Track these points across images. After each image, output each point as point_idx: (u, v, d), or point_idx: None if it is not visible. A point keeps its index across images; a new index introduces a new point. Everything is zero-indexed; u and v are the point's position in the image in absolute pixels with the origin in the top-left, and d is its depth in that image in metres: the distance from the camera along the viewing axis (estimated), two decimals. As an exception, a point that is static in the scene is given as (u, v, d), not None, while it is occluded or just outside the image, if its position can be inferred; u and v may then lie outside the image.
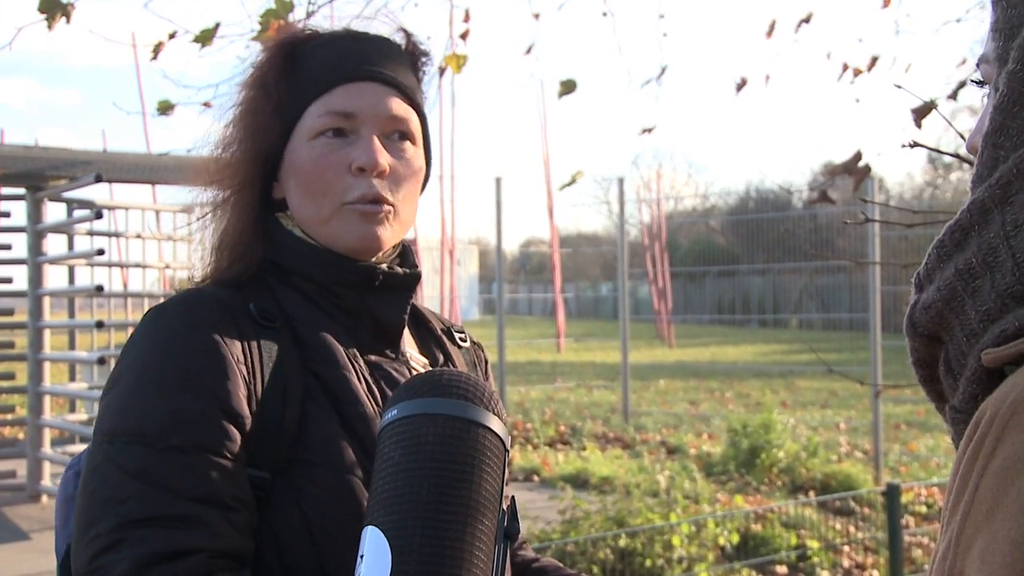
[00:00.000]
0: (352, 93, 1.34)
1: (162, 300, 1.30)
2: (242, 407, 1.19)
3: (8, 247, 7.71)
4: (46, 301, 7.92)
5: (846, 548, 6.13)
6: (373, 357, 1.35)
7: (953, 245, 0.87)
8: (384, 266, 1.37)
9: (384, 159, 1.32)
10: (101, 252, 7.34)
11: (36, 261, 7.71)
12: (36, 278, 7.74)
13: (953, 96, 3.96)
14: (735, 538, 5.72)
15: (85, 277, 8.27)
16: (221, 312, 1.25)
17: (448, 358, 1.47)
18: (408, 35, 1.44)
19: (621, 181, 11.71)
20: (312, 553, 1.19)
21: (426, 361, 1.43)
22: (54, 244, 7.99)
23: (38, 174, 7.58)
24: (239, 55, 3.91)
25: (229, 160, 1.37)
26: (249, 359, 1.23)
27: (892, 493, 5.03)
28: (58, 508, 1.34)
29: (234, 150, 1.37)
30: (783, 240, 18.45)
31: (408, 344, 1.43)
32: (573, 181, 4.90)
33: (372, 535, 1.06)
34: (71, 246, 8.37)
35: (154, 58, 4.07)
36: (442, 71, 4.72)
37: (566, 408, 12.94)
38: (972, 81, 0.95)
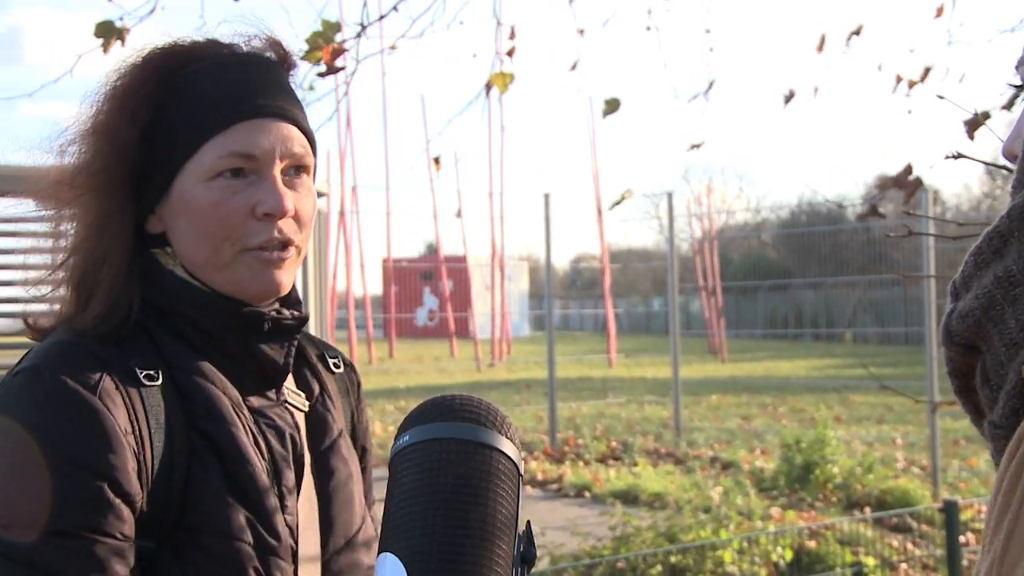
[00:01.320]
0: (252, 132, 1.25)
1: (28, 357, 1.19)
2: (131, 484, 1.13)
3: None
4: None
5: (903, 566, 6.03)
6: (255, 402, 1.28)
7: (992, 252, 0.85)
8: (272, 311, 1.29)
9: (289, 202, 1.26)
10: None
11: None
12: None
13: (1008, 107, 3.91)
14: (788, 555, 5.66)
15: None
16: (100, 373, 1.16)
17: (323, 388, 1.40)
18: (278, 45, 1.35)
19: (670, 196, 11.68)
20: None
21: (303, 395, 1.37)
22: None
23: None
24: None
25: (87, 186, 1.25)
26: (136, 428, 1.16)
27: (950, 510, 4.95)
28: None
29: (94, 177, 1.25)
30: (836, 253, 18.29)
31: (287, 380, 1.36)
32: (622, 200, 4.90)
33: (390, 561, 1.05)
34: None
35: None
36: (488, 89, 4.74)
37: (617, 424, 12.88)
38: (1010, 85, 0.93)
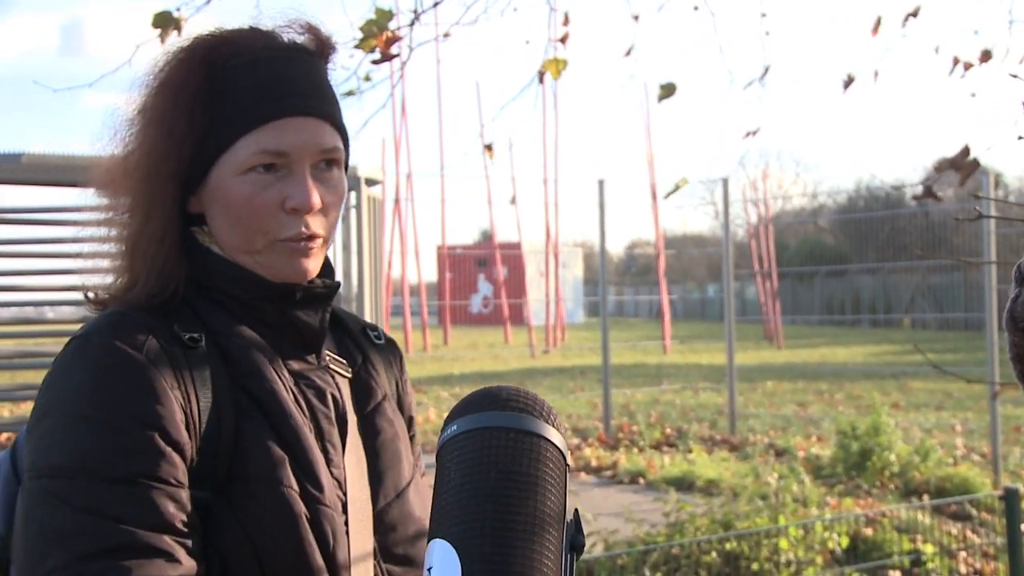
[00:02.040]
0: (285, 130, 1.31)
1: (81, 328, 1.28)
2: (180, 434, 1.19)
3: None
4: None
5: (963, 554, 5.96)
6: (296, 366, 1.35)
7: None
8: (304, 282, 1.37)
9: (316, 198, 1.32)
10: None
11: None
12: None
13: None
14: (845, 542, 5.62)
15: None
16: (147, 335, 1.23)
17: (365, 357, 1.47)
18: (316, 32, 1.40)
19: (726, 182, 11.59)
20: (254, 566, 1.20)
21: (345, 362, 1.44)
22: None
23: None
24: (342, 64, 3.99)
25: (138, 171, 1.33)
26: (182, 382, 1.22)
27: (1011, 497, 4.87)
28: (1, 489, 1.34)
29: (146, 162, 1.32)
30: (894, 238, 18.05)
31: (327, 346, 1.43)
32: (677, 188, 4.86)
33: (440, 547, 1.06)
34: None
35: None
36: (542, 75, 4.74)
37: (672, 410, 12.85)
38: None
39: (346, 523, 1.29)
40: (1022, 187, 34.40)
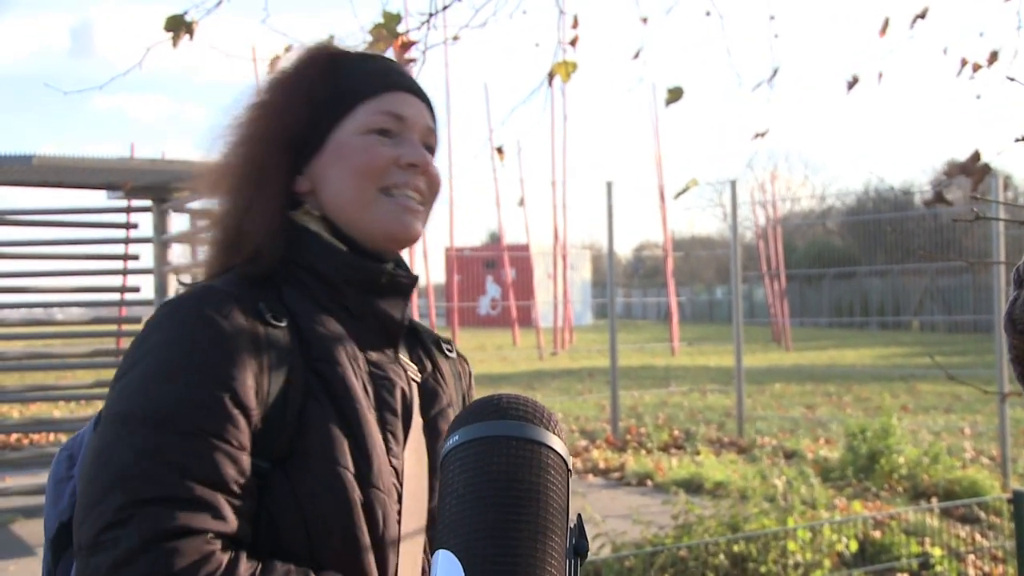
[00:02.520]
0: (401, 100, 1.46)
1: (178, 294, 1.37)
2: (250, 399, 1.25)
3: (136, 257, 8.01)
4: (172, 309, 8.17)
5: (971, 557, 5.95)
6: (374, 355, 1.41)
7: None
8: (389, 269, 1.44)
9: (429, 158, 1.46)
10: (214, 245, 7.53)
11: (162, 271, 7.99)
12: (162, 287, 8.02)
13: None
14: (853, 545, 5.61)
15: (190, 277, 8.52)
16: (234, 307, 1.31)
17: (435, 366, 1.53)
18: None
19: (734, 184, 11.58)
20: (304, 540, 1.25)
21: (415, 367, 1.49)
22: (179, 254, 8.27)
23: (163, 186, 7.86)
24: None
25: (248, 154, 1.43)
26: (258, 355, 1.29)
27: (1020, 501, 4.86)
28: (49, 489, 1.40)
29: (258, 144, 1.43)
30: (903, 241, 18.01)
31: (400, 350, 1.49)
32: (686, 189, 4.86)
33: (444, 558, 1.07)
34: (195, 255, 8.63)
35: (271, 72, 4.19)
36: (551, 78, 4.75)
37: (680, 412, 12.84)
38: None
39: (399, 512, 1.33)
40: (1031, 189, 34.30)
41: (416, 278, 1.48)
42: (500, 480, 1.09)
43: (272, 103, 1.45)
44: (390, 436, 1.36)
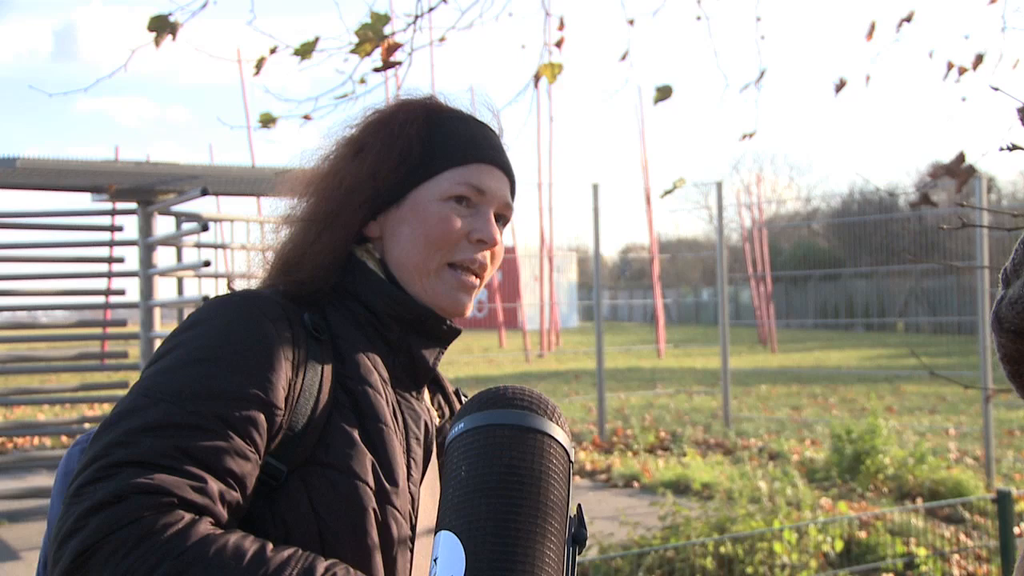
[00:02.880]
0: (485, 173, 1.50)
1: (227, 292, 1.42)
2: (279, 400, 1.28)
3: (121, 260, 7.98)
4: (157, 312, 8.17)
5: (956, 557, 5.98)
6: (400, 390, 1.45)
7: None
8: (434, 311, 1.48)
9: (499, 235, 1.51)
10: (207, 264, 7.54)
11: (147, 273, 7.96)
12: (147, 290, 7.99)
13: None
14: (839, 545, 5.63)
15: (193, 288, 8.51)
16: (278, 312, 1.35)
17: (453, 411, 1.57)
18: (497, 117, 1.61)
19: (719, 185, 11.61)
20: (316, 547, 1.25)
21: (436, 412, 1.53)
22: (164, 257, 8.25)
23: (148, 189, 7.83)
24: (337, 68, 4.00)
25: (337, 184, 1.48)
26: (296, 360, 1.32)
27: (1004, 500, 4.89)
28: (57, 480, 1.42)
29: (348, 178, 1.48)
30: (888, 243, 18.08)
31: (424, 393, 1.53)
32: (674, 188, 4.88)
33: (445, 538, 1.10)
34: (180, 258, 8.63)
35: (256, 73, 4.19)
36: (537, 80, 4.75)
37: (666, 414, 12.86)
38: None
39: (412, 540, 1.35)
40: (1015, 191, 34.50)
41: (456, 331, 1.52)
42: (502, 467, 1.12)
43: (366, 149, 1.50)
44: (412, 462, 1.38)
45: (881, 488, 7.80)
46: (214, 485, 1.19)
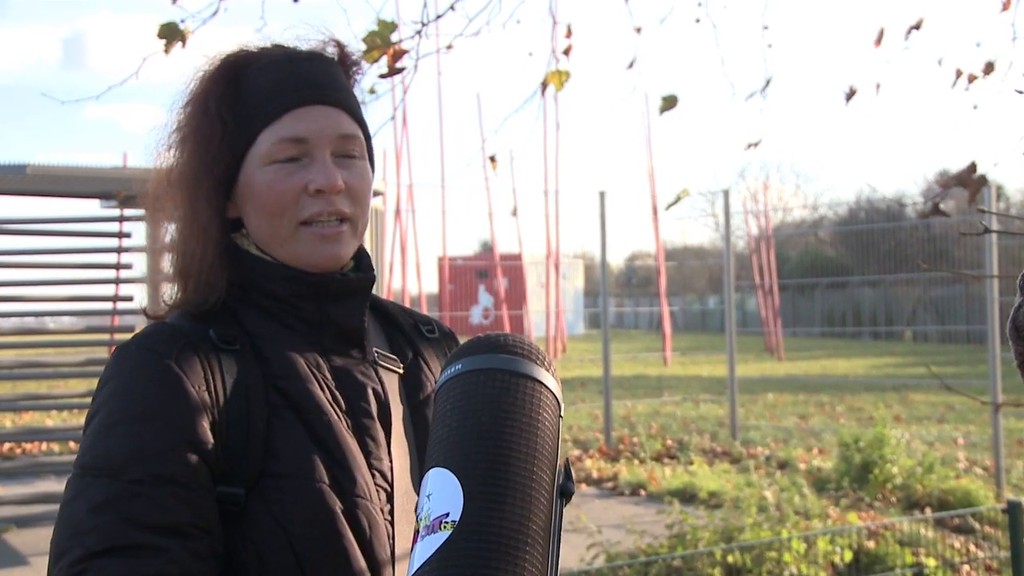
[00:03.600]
0: (301, 118, 1.38)
1: (128, 337, 1.36)
2: (204, 435, 1.24)
3: (129, 266, 7.99)
4: (165, 318, 8.15)
5: (965, 567, 5.95)
6: (339, 361, 1.39)
7: None
8: (338, 275, 1.41)
9: (339, 179, 1.37)
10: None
11: (155, 280, 7.95)
12: (155, 297, 7.98)
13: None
14: (848, 555, 5.61)
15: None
16: (180, 343, 1.30)
17: (417, 352, 1.50)
18: (340, 46, 1.47)
19: (727, 193, 11.59)
20: (291, 559, 1.24)
21: (396, 358, 1.46)
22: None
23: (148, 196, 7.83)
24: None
25: (179, 184, 1.40)
26: (211, 384, 1.28)
27: (1014, 511, 4.86)
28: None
29: (184, 175, 1.40)
30: (896, 251, 18.05)
31: (378, 343, 1.47)
32: (678, 200, 4.86)
33: (435, 474, 1.09)
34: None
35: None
36: (544, 87, 4.75)
37: (673, 422, 12.83)
38: None
39: (391, 512, 1.33)
40: None
41: (371, 277, 1.45)
42: (496, 410, 1.12)
43: (194, 129, 1.40)
44: (369, 440, 1.34)
45: (889, 498, 7.77)
46: (181, 546, 1.18)
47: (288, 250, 1.39)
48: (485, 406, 1.12)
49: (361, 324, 1.42)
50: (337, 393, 1.36)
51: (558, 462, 1.15)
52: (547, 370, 1.18)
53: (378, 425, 1.37)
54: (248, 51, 1.43)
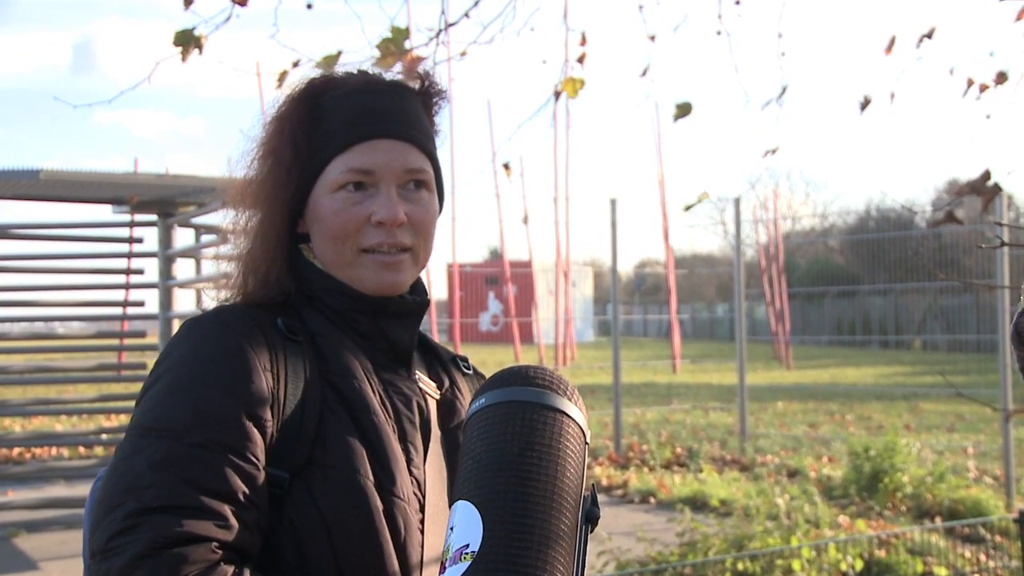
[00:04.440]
0: (370, 150, 1.44)
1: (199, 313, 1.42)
2: (265, 411, 1.29)
3: (141, 271, 8.02)
4: (176, 324, 8.19)
5: (975, 577, 5.93)
6: (386, 375, 1.45)
7: None
8: (396, 296, 1.48)
9: (401, 212, 1.44)
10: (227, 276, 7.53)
11: (166, 285, 7.99)
12: (166, 302, 8.02)
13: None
14: (859, 564, 5.59)
15: (212, 301, 8.51)
16: (251, 324, 1.36)
17: (453, 382, 1.56)
18: (424, 76, 1.54)
19: (737, 201, 11.58)
20: (328, 547, 1.28)
21: (434, 385, 1.52)
22: (183, 269, 8.28)
23: (168, 201, 7.87)
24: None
25: (257, 194, 1.48)
26: (275, 367, 1.33)
27: (1024, 520, 4.85)
28: (87, 517, 1.42)
29: (263, 187, 1.47)
30: (905, 260, 18.01)
31: (418, 368, 1.53)
32: (699, 201, 4.86)
33: (461, 507, 1.13)
34: (199, 270, 8.66)
35: (279, 87, 4.20)
36: (558, 95, 4.76)
37: (682, 430, 12.81)
38: None
39: (422, 522, 1.36)
40: (1033, 209, 34.29)
41: (426, 302, 1.52)
42: (520, 443, 1.15)
43: (269, 145, 1.48)
44: (410, 447, 1.39)
45: (899, 506, 7.75)
46: (233, 513, 1.22)
47: (349, 273, 1.45)
48: (509, 439, 1.15)
49: (412, 343, 1.49)
50: (385, 399, 1.41)
51: (584, 489, 1.17)
52: (570, 400, 1.21)
53: (419, 435, 1.42)
54: (331, 77, 1.50)
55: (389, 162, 1.44)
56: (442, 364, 1.59)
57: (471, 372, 1.64)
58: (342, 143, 1.44)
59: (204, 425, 1.25)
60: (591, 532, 1.17)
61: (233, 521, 1.21)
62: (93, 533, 1.21)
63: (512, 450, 1.13)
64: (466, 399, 1.55)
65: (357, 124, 1.45)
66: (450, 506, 1.16)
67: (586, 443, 1.21)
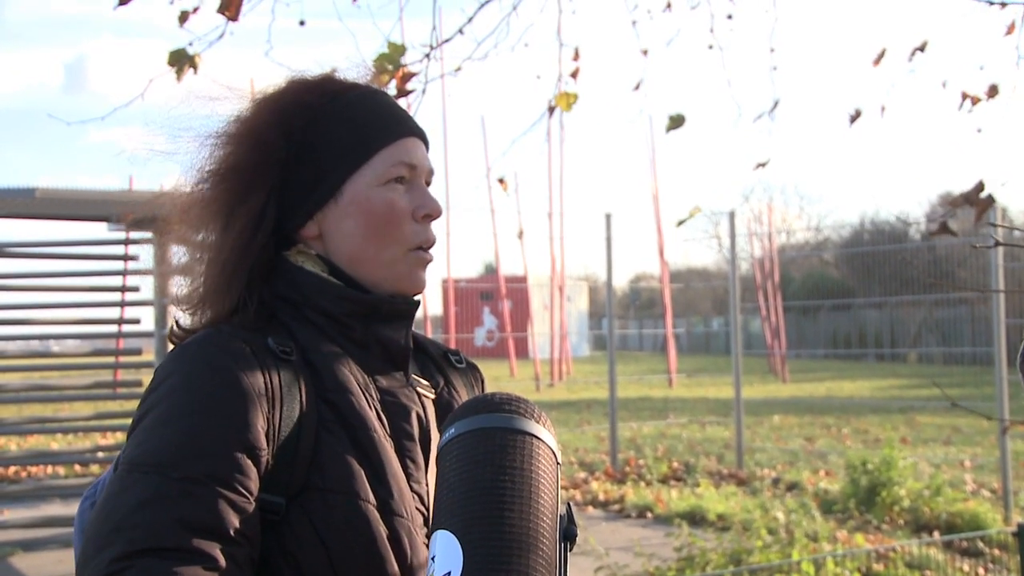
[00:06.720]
0: (412, 147, 1.46)
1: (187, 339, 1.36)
2: (259, 439, 1.25)
3: (136, 289, 8.00)
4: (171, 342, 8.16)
5: (974, 590, 5.92)
6: (384, 382, 1.42)
7: None
8: (387, 297, 1.45)
9: (441, 208, 1.47)
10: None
11: (162, 303, 7.97)
12: (162, 319, 8.00)
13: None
14: (857, 578, 5.58)
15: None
16: (241, 347, 1.31)
17: (447, 380, 1.54)
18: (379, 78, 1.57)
19: (732, 215, 11.60)
20: (329, 572, 1.25)
21: (428, 383, 1.50)
22: (178, 286, 8.25)
23: (163, 218, 7.85)
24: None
25: (212, 206, 1.42)
26: (269, 391, 1.29)
27: (1023, 534, 4.84)
28: (76, 540, 1.39)
29: (220, 197, 1.41)
30: (900, 272, 18.03)
31: (411, 370, 1.50)
32: (690, 217, 4.87)
33: (441, 537, 1.13)
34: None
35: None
36: (552, 110, 4.77)
37: (679, 444, 12.80)
38: None
39: (428, 536, 1.32)
40: (1027, 221, 34.37)
41: (417, 303, 1.49)
42: (494, 468, 1.15)
43: (258, 134, 1.42)
44: (409, 463, 1.37)
45: (897, 520, 7.74)
46: (222, 552, 1.18)
47: (385, 272, 1.43)
48: (481, 464, 1.15)
49: (407, 345, 1.46)
50: (382, 413, 1.38)
51: (559, 509, 1.18)
52: (539, 422, 1.21)
53: (419, 448, 1.40)
54: (337, 78, 1.49)
55: (423, 160, 1.47)
56: (434, 362, 1.56)
57: (464, 365, 1.60)
58: (388, 137, 1.44)
59: (194, 458, 1.21)
60: (570, 549, 1.17)
61: (222, 561, 1.18)
62: (81, 571, 1.18)
63: (486, 475, 1.14)
64: (462, 395, 1.53)
65: (400, 119, 1.47)
66: (427, 537, 1.16)
67: (558, 463, 1.21)
